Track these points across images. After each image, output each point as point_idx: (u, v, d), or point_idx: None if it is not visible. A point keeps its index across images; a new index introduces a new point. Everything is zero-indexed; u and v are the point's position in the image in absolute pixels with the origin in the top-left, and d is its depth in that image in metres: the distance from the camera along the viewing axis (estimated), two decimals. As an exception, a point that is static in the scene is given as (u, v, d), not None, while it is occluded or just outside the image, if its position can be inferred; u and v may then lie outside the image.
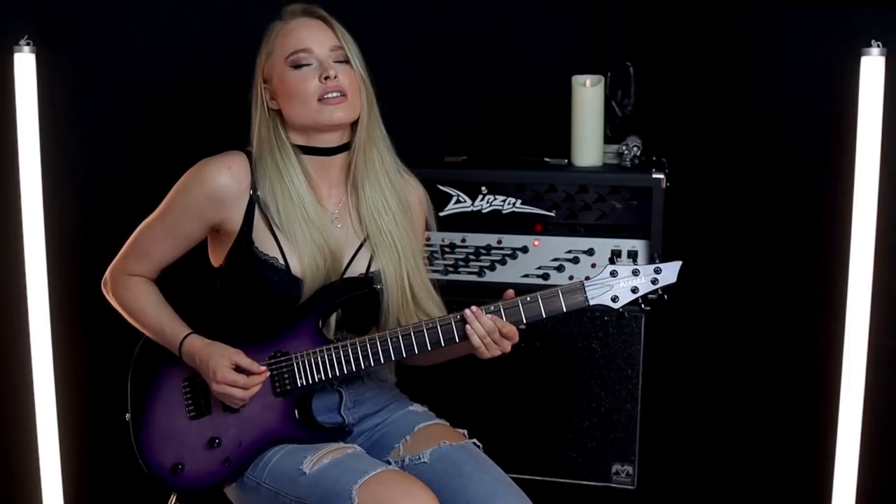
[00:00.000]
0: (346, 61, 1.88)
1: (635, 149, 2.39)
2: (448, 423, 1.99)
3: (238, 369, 1.81)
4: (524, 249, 2.39)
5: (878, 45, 2.03)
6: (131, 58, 2.58)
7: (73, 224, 2.49)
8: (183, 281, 2.03)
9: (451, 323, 1.80)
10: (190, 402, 1.89)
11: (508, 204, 2.38)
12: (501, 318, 1.79)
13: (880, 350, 2.17)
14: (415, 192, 2.03)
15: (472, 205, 2.40)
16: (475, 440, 1.94)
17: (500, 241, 2.40)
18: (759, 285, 2.59)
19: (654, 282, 1.80)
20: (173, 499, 2.01)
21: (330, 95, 1.85)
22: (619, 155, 2.41)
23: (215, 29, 2.64)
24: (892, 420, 2.26)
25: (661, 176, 2.30)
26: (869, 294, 2.10)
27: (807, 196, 2.49)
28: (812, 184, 2.47)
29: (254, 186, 1.88)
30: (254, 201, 1.88)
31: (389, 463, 1.87)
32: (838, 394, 2.14)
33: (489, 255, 2.40)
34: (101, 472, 2.60)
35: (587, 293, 1.79)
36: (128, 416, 1.93)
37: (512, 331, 1.79)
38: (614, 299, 1.79)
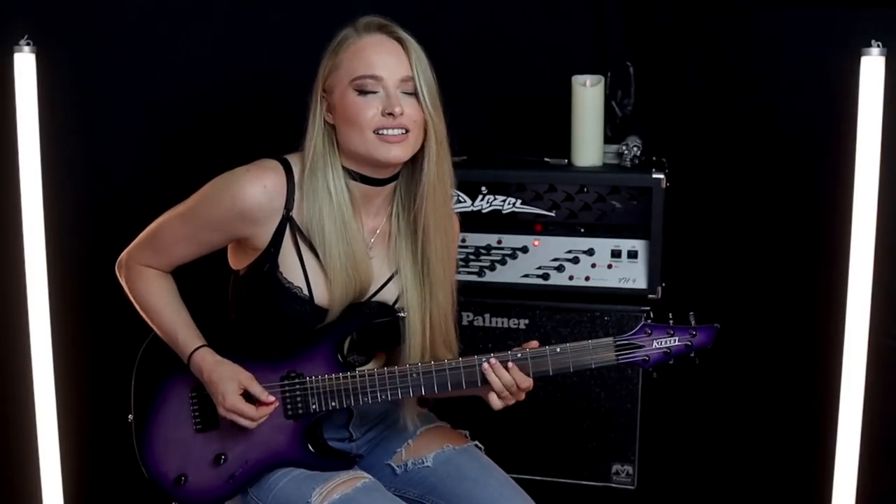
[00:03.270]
0: (415, 93, 1.73)
1: (635, 149, 2.39)
2: (449, 426, 1.97)
3: (247, 395, 1.75)
4: (524, 249, 2.39)
5: (878, 45, 2.03)
6: (131, 58, 2.58)
7: (73, 224, 2.49)
8: (195, 278, 1.96)
9: (474, 367, 1.73)
10: (197, 414, 1.84)
11: (508, 204, 2.38)
12: (528, 367, 1.71)
13: (880, 350, 2.17)
14: (456, 225, 1.92)
15: (472, 205, 2.40)
16: (477, 442, 1.92)
17: (500, 241, 2.40)
18: (759, 285, 2.59)
19: (687, 346, 1.72)
20: None
21: (390, 132, 1.70)
22: (619, 155, 2.41)
23: (215, 29, 2.64)
24: (892, 420, 2.26)
25: (661, 176, 2.30)
26: (869, 294, 2.10)
27: (807, 196, 2.49)
28: (812, 184, 2.47)
29: (288, 206, 1.76)
30: (285, 221, 1.77)
31: (395, 473, 1.85)
32: (838, 394, 2.14)
33: (489, 255, 2.40)
34: (102, 473, 2.60)
35: (617, 352, 1.71)
36: (130, 417, 1.89)
37: (531, 383, 1.73)
38: (645, 360, 1.72)
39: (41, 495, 2.30)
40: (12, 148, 2.20)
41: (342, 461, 1.83)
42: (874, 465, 2.19)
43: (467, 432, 1.95)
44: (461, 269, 2.40)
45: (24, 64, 2.16)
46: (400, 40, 1.74)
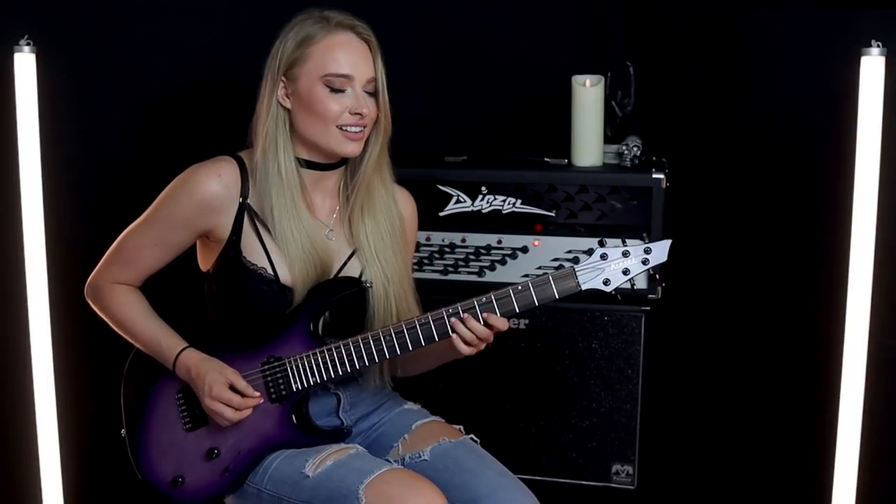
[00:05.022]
0: (375, 94, 1.85)
1: (635, 149, 2.39)
2: (443, 420, 1.99)
3: (233, 390, 1.80)
4: (524, 249, 2.39)
5: (878, 45, 2.03)
6: (131, 58, 2.58)
7: (73, 224, 2.49)
8: (169, 285, 2.02)
9: (443, 319, 1.78)
10: (185, 413, 1.88)
11: (508, 204, 2.38)
12: (494, 308, 1.77)
13: (880, 350, 2.17)
14: (408, 204, 2.02)
15: (472, 205, 2.40)
16: (472, 435, 1.94)
17: (500, 241, 2.40)
18: (759, 285, 2.59)
19: (644, 262, 1.77)
20: None
21: (352, 129, 1.82)
22: (619, 155, 2.41)
23: (215, 29, 2.64)
24: (892, 420, 2.26)
25: (661, 176, 2.30)
26: (869, 294, 2.10)
27: (807, 196, 2.49)
28: (812, 184, 2.47)
29: (244, 194, 1.86)
30: (243, 209, 1.86)
31: (391, 462, 1.87)
32: (838, 394, 2.14)
33: (489, 255, 2.40)
34: (102, 474, 2.60)
35: (578, 278, 1.76)
36: (123, 432, 1.93)
37: (504, 323, 1.79)
38: (606, 282, 1.77)
39: (41, 496, 2.30)
40: (12, 148, 2.20)
41: (332, 436, 1.88)
42: (874, 465, 2.19)
43: (462, 427, 1.96)
44: (462, 269, 2.40)
45: (24, 64, 2.16)
46: (369, 43, 1.86)
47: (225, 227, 1.86)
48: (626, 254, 1.77)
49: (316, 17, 1.85)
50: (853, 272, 2.10)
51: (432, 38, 2.78)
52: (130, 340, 1.92)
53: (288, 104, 1.86)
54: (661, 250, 1.76)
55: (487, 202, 2.39)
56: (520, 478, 1.86)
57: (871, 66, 2.04)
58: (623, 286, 1.77)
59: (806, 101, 2.44)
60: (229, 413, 1.79)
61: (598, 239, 1.91)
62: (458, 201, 2.39)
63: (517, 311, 1.78)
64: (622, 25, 2.74)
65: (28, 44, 2.15)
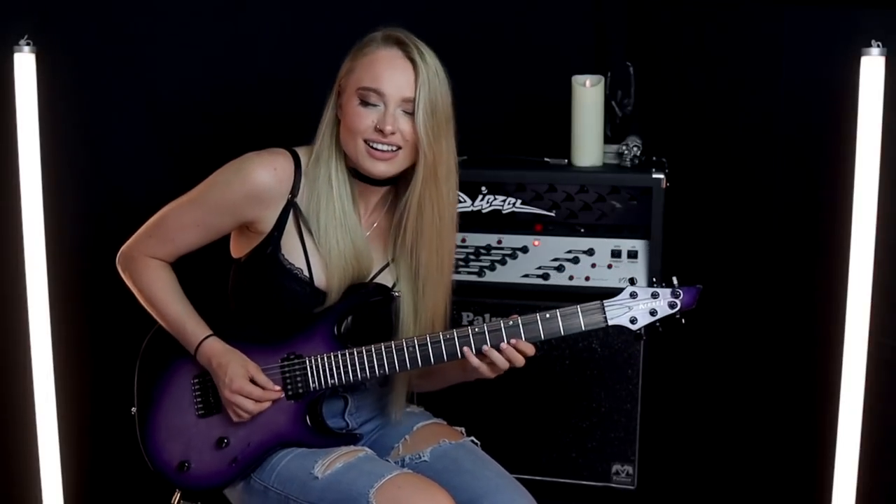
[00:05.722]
0: (413, 115, 1.78)
1: (635, 149, 2.39)
2: (445, 422, 1.99)
3: (253, 383, 1.80)
4: (524, 249, 2.39)
5: (878, 45, 2.03)
6: (131, 58, 2.58)
7: (73, 224, 2.49)
8: (195, 269, 1.99)
9: (468, 336, 1.77)
10: (199, 399, 1.88)
11: (508, 204, 2.38)
12: (520, 334, 1.76)
13: (880, 350, 2.17)
14: (453, 237, 1.97)
15: (472, 205, 2.40)
16: (473, 438, 1.94)
17: (500, 241, 2.40)
18: (759, 285, 2.59)
19: (672, 306, 1.79)
20: (177, 496, 2.01)
21: (379, 147, 1.78)
22: (619, 155, 2.41)
23: (215, 29, 2.64)
24: (892, 420, 2.26)
25: (661, 176, 2.30)
26: (869, 294, 2.10)
27: (807, 196, 2.49)
28: (812, 184, 2.47)
29: (294, 191, 1.84)
30: (290, 206, 1.84)
31: (399, 466, 1.86)
32: (838, 394, 2.14)
33: (489, 255, 2.40)
34: (102, 472, 2.60)
35: (606, 313, 1.77)
36: (133, 409, 1.92)
37: (531, 349, 1.78)
38: (633, 321, 1.78)
39: (41, 495, 2.30)
40: (12, 148, 2.20)
41: (343, 438, 1.87)
42: (874, 465, 2.19)
43: (463, 429, 1.96)
44: (461, 269, 2.40)
45: (24, 64, 2.16)
46: (413, 61, 1.78)
47: (269, 221, 1.84)
48: (655, 295, 1.78)
49: (380, 33, 1.83)
50: (853, 272, 2.10)
51: (432, 38, 2.77)
52: (156, 317, 1.91)
53: (340, 115, 1.84)
54: (690, 296, 1.79)
55: (487, 202, 2.39)
56: (520, 478, 1.86)
57: (871, 66, 2.04)
58: (649, 326, 1.79)
59: (806, 101, 2.44)
60: (248, 405, 1.79)
61: (629, 277, 1.91)
62: (457, 201, 2.39)
63: (542, 337, 1.77)
64: (622, 25, 2.74)
65: (28, 44, 2.15)
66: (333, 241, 1.83)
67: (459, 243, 2.41)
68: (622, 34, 2.73)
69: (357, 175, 1.85)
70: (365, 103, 1.78)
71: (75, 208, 2.52)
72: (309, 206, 1.83)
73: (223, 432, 1.86)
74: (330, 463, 1.76)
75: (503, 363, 1.77)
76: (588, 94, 2.39)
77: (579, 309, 1.77)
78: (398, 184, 1.88)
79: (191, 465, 1.86)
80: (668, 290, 1.79)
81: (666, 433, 2.63)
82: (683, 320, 1.81)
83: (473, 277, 2.41)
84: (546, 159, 2.50)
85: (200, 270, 2.00)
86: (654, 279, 1.86)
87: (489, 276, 2.41)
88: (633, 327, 1.78)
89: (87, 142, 2.57)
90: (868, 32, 2.05)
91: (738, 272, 2.62)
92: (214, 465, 1.85)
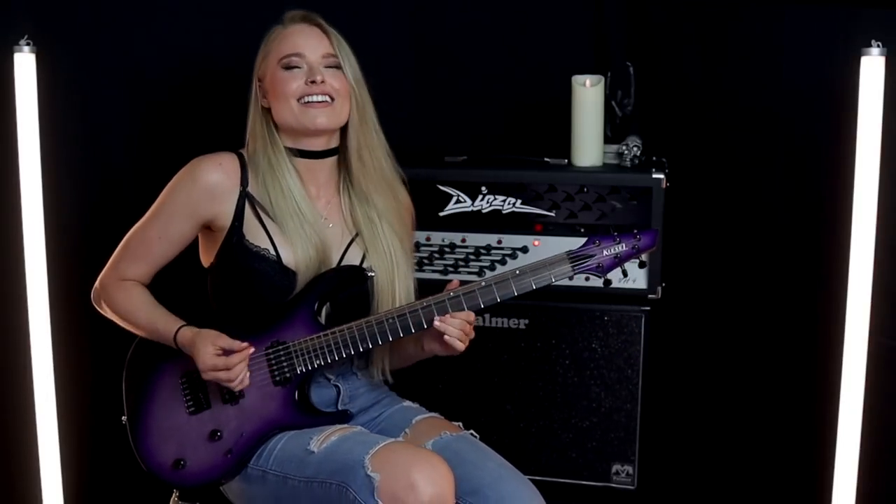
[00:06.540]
0: (338, 67, 1.93)
1: (635, 149, 2.39)
2: (443, 417, 2.00)
3: (225, 352, 1.82)
4: (524, 249, 2.39)
5: (878, 45, 2.03)
6: (131, 58, 2.58)
7: (73, 224, 2.49)
8: (174, 284, 2.04)
9: (444, 301, 1.84)
10: (189, 397, 1.90)
11: (508, 204, 2.38)
12: (493, 292, 1.84)
13: (880, 350, 2.17)
14: (408, 199, 2.08)
15: (472, 205, 2.40)
16: (472, 431, 1.96)
17: (500, 241, 2.40)
18: (760, 285, 2.59)
19: (633, 247, 1.87)
20: (175, 497, 2.01)
21: (313, 98, 1.89)
22: (619, 155, 2.41)
23: (215, 28, 2.64)
24: (892, 420, 2.26)
25: (661, 176, 2.30)
26: (869, 294, 2.10)
27: (807, 196, 2.49)
28: (812, 184, 2.47)
29: (244, 183, 1.93)
30: (244, 197, 1.92)
31: None
32: (838, 393, 2.14)
33: (489, 255, 2.40)
34: (101, 472, 2.60)
35: (572, 263, 1.85)
36: (124, 418, 1.93)
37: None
38: (599, 267, 1.86)
39: (41, 494, 2.30)
40: (12, 148, 2.20)
41: (334, 416, 1.91)
42: (874, 465, 2.19)
43: (461, 423, 1.97)
44: (462, 269, 2.40)
45: (24, 64, 2.16)
46: (320, 26, 1.95)
47: (227, 216, 1.91)
48: (615, 239, 1.87)
49: (283, 18, 1.98)
50: (853, 272, 2.10)
51: (433, 38, 2.78)
52: (134, 331, 1.95)
53: (266, 104, 1.96)
54: (650, 238, 1.89)
55: (487, 202, 2.39)
56: (520, 478, 1.86)
57: (871, 66, 2.04)
58: (616, 275, 1.90)
59: (806, 101, 2.44)
60: (223, 375, 1.80)
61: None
62: (458, 201, 2.39)
63: (515, 293, 1.85)
64: (622, 25, 2.74)
65: (28, 44, 2.15)
66: (288, 216, 1.91)
67: (459, 243, 2.41)
68: (622, 34, 2.73)
69: (298, 153, 1.95)
70: (289, 68, 1.91)
71: (75, 208, 2.52)
72: (260, 192, 1.92)
73: (215, 425, 1.87)
74: (325, 437, 1.80)
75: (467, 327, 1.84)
76: (588, 94, 2.39)
77: (546, 262, 1.85)
78: (339, 153, 1.97)
79: (186, 462, 1.87)
80: (629, 235, 1.88)
81: (666, 433, 2.63)
82: (647, 262, 1.97)
83: (473, 277, 2.41)
84: (546, 159, 2.50)
85: (180, 289, 2.04)
86: (613, 230, 1.98)
87: (489, 277, 2.40)
88: (599, 273, 1.87)
89: (87, 141, 2.57)
90: (868, 32, 2.05)
91: (737, 272, 2.62)
92: (210, 458, 1.86)
